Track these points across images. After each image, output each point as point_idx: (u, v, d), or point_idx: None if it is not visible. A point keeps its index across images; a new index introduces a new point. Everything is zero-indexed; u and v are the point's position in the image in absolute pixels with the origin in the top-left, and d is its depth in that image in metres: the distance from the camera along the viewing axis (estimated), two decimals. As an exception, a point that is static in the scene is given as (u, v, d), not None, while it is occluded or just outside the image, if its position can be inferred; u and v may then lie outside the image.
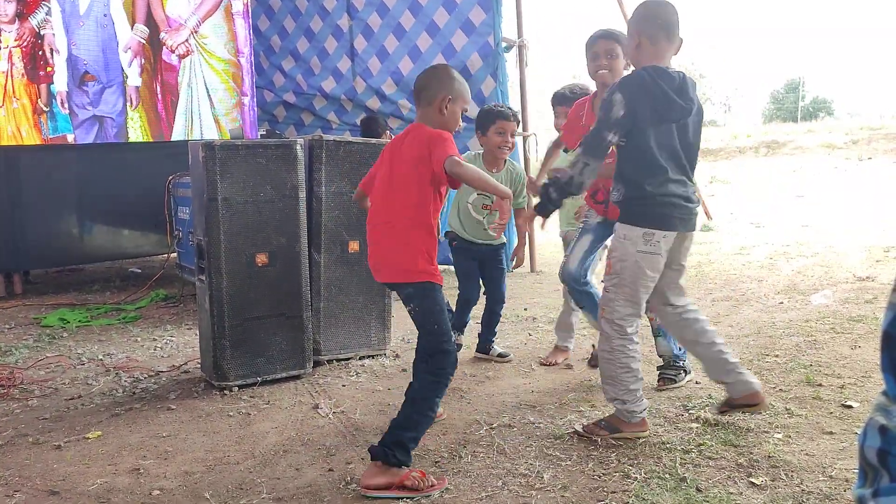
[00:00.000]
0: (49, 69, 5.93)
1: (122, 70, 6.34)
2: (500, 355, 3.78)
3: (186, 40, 6.64)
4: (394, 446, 2.37)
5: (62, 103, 6.03)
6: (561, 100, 3.74)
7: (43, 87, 5.91)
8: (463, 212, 3.67)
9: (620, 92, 2.56)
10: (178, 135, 6.63)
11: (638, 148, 2.59)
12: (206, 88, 6.76)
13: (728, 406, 2.79)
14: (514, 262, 3.77)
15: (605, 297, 2.72)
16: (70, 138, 6.07)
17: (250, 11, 7.23)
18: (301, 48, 7.40)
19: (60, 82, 6.02)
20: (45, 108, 5.90)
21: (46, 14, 5.88)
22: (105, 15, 6.21)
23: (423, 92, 2.59)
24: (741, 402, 2.74)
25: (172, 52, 6.57)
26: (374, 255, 2.57)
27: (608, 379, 2.72)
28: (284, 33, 7.56)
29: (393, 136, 5.90)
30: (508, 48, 6.13)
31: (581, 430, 2.76)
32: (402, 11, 6.43)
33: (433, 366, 2.43)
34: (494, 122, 3.52)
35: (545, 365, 3.66)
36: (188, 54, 6.66)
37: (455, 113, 2.58)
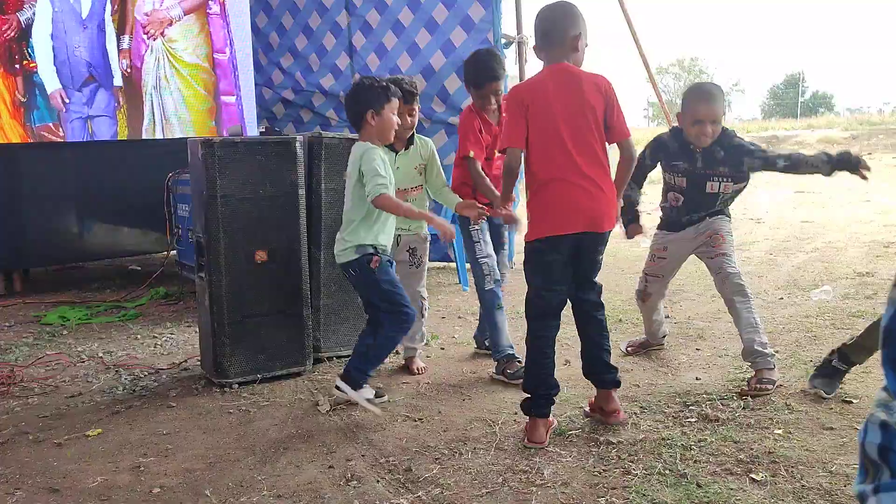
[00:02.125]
0: (25, 62, 5.87)
1: (112, 72, 6.34)
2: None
3: (162, 32, 6.60)
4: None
5: (60, 100, 5.99)
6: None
7: (19, 79, 5.86)
8: (388, 221, 3.07)
9: None
10: (146, 135, 6.64)
11: None
12: (171, 92, 6.70)
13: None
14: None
15: (733, 263, 3.25)
16: (52, 126, 6.03)
17: (250, 8, 7.21)
18: (300, 45, 7.38)
19: (51, 82, 5.96)
20: (22, 99, 5.85)
21: (31, 14, 5.82)
22: (103, 19, 6.20)
23: (553, 31, 2.64)
24: None
25: (147, 35, 6.53)
26: (588, 205, 2.62)
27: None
28: (283, 30, 7.53)
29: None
30: (508, 45, 6.12)
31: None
32: (401, 8, 6.42)
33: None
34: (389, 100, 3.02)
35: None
36: (155, 53, 6.62)
37: (584, 51, 2.69)
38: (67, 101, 6.04)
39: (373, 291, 3.01)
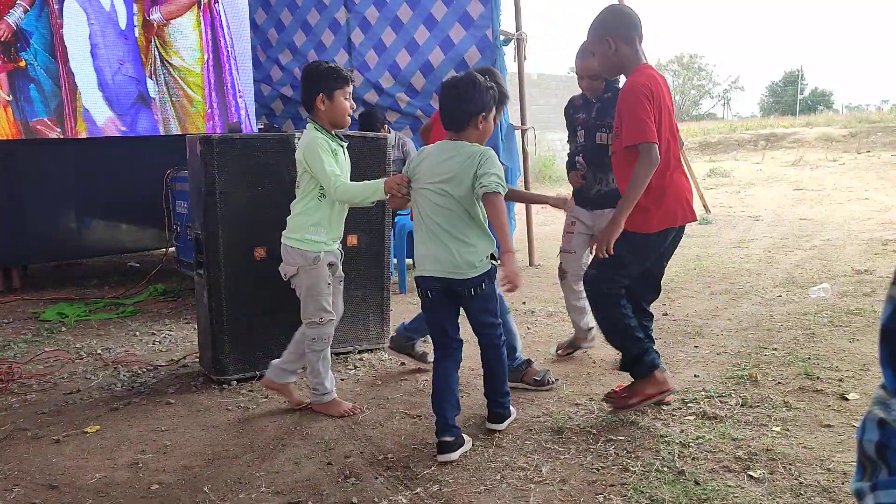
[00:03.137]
0: (10, 61, 5.80)
1: (147, 83, 6.30)
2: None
3: (156, 34, 6.56)
4: None
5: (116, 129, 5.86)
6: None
7: (3, 75, 5.81)
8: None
9: None
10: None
11: None
12: (162, 92, 6.66)
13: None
14: None
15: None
16: (48, 121, 5.99)
17: (248, 5, 7.19)
18: (298, 41, 7.38)
19: (100, 111, 5.80)
20: (7, 98, 5.78)
21: (20, 14, 5.75)
22: (133, 23, 6.12)
23: (641, 31, 2.78)
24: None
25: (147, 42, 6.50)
26: (689, 198, 2.79)
27: None
28: (281, 27, 7.53)
29: (391, 130, 5.88)
30: (507, 41, 6.12)
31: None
32: (400, 4, 6.41)
33: None
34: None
35: None
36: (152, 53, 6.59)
37: None
38: (124, 128, 5.92)
39: (489, 306, 2.66)
